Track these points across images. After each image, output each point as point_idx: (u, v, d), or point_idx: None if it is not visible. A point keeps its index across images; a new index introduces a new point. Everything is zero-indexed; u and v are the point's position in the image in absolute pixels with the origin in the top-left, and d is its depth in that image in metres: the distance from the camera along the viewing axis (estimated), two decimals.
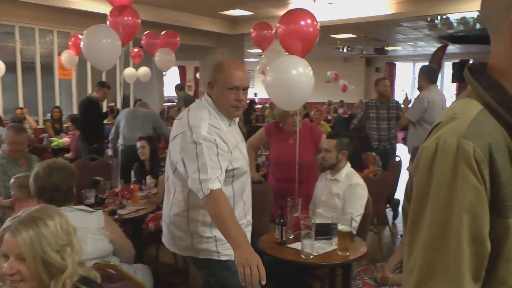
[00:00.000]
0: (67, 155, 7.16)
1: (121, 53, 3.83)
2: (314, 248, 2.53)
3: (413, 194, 0.92)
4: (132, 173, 4.61)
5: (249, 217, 2.42)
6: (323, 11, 8.26)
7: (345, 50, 13.07)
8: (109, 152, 6.36)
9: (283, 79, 2.99)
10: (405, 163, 5.07)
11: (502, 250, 0.85)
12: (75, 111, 8.77)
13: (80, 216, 2.29)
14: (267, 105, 13.12)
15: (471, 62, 1.01)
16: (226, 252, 2.21)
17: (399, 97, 17.25)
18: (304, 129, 3.60)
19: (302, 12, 3.18)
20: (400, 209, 5.27)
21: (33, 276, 1.50)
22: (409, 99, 5.63)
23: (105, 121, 6.76)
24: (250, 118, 11.57)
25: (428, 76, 5.17)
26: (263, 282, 1.80)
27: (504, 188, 0.84)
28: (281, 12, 3.37)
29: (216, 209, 1.99)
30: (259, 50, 5.76)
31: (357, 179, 3.12)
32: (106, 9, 4.35)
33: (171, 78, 18.42)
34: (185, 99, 9.57)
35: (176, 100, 11.21)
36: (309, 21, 3.12)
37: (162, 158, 5.13)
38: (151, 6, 8.71)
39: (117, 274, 1.95)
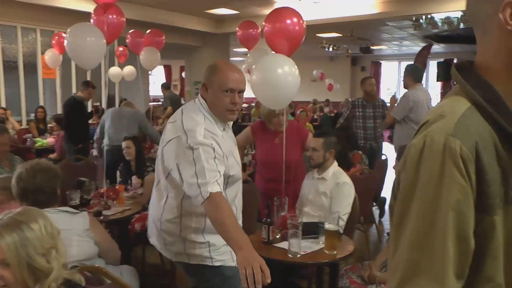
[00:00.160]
0: (51, 155, 7.07)
1: (106, 52, 3.78)
2: (301, 247, 2.52)
3: (400, 191, 0.91)
4: (118, 173, 4.56)
5: (240, 222, 2.35)
6: (309, 11, 8.26)
7: (331, 49, 13.14)
8: (94, 152, 6.29)
9: (269, 78, 2.98)
10: (391, 162, 5.10)
11: (488, 247, 0.85)
12: (59, 111, 8.66)
13: (64, 218, 2.25)
14: (253, 104, 13.11)
15: (455, 61, 1.01)
16: (219, 257, 2.17)
17: (385, 96, 17.44)
18: (290, 128, 3.59)
19: (288, 11, 3.18)
20: (387, 207, 5.33)
21: (17, 281, 1.47)
22: (396, 98, 5.67)
23: (90, 121, 6.69)
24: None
25: (414, 75, 5.20)
26: (268, 281, 1.72)
27: (490, 186, 0.84)
28: (267, 11, 3.36)
29: (216, 213, 1.91)
30: (245, 49, 5.75)
31: (344, 177, 3.13)
32: (90, 7, 4.30)
33: (157, 78, 18.32)
34: (171, 99, 9.51)
35: (162, 100, 11.14)
36: (295, 19, 3.11)
37: (148, 158, 5.10)
38: (136, 5, 8.64)
39: (94, 277, 1.91)
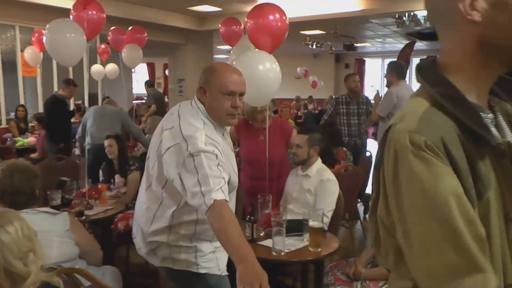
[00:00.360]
0: (33, 155, 6.98)
1: (87, 49, 3.72)
2: (285, 245, 2.51)
3: (393, 207, 0.88)
4: (100, 172, 4.50)
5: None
6: (292, 7, 8.25)
7: (314, 46, 13.16)
8: (77, 151, 6.21)
9: (250, 75, 2.89)
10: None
11: None
12: (41, 109, 8.52)
13: (44, 219, 2.21)
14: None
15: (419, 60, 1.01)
16: (204, 264, 2.10)
17: (369, 92, 17.54)
18: (274, 125, 3.57)
19: (270, 7, 3.15)
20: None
21: None
22: (380, 95, 5.69)
23: (72, 120, 6.59)
24: None
25: (398, 72, 5.22)
26: None
27: (464, 179, 0.83)
28: (249, 8, 3.32)
29: (220, 222, 1.76)
30: (229, 47, 5.72)
31: (328, 174, 3.12)
32: (70, 3, 4.22)
33: (140, 75, 18.18)
34: (155, 97, 9.44)
35: (145, 98, 11.05)
36: (277, 16, 3.09)
37: (131, 156, 5.04)
38: (118, 2, 8.54)
39: (70, 280, 1.86)
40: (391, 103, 5.10)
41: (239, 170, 4.23)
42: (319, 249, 2.55)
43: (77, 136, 6.07)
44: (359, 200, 5.21)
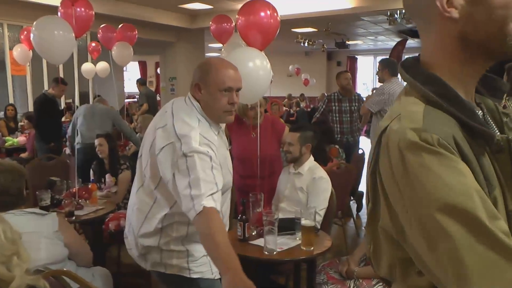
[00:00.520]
0: (23, 155, 6.91)
1: (76, 47, 3.67)
2: (277, 244, 2.48)
3: (403, 211, 0.81)
4: (91, 172, 4.45)
5: (226, 228, 2.17)
6: (284, 5, 8.23)
7: (306, 44, 13.15)
8: (67, 150, 6.15)
9: (240, 72, 2.89)
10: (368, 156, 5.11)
11: None
12: (31, 108, 8.45)
13: (32, 220, 2.17)
14: None
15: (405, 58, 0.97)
16: (197, 269, 2.03)
17: (361, 90, 17.58)
18: (266, 122, 3.55)
19: (261, 4, 3.12)
20: (364, 201, 5.34)
21: None
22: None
23: (63, 119, 6.53)
24: None
25: (390, 69, 5.23)
26: None
27: (477, 175, 0.79)
28: (241, 5, 3.29)
29: (208, 228, 1.70)
30: (220, 45, 5.68)
31: (320, 172, 3.10)
32: (59, 1, 4.16)
33: (132, 74, 18.09)
34: (147, 95, 9.38)
35: (137, 96, 10.99)
36: (269, 12, 3.06)
37: (122, 155, 5.00)
38: None
39: (57, 282, 1.82)
40: (382, 99, 5.10)
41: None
42: (312, 248, 2.53)
43: (67, 135, 6.00)
44: (351, 198, 5.20)
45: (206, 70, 1.99)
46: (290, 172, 3.18)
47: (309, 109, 12.65)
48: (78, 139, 5.39)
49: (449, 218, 0.74)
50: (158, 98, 11.91)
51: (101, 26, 6.48)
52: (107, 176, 4.14)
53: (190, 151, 1.79)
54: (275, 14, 3.13)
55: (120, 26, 6.59)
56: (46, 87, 8.91)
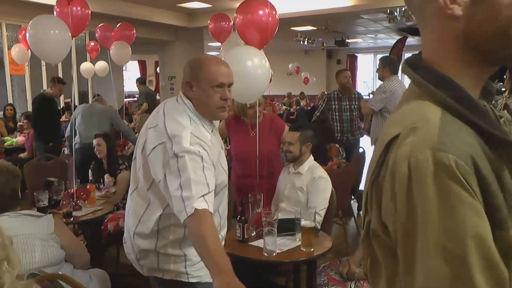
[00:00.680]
0: (22, 154, 6.89)
1: (72, 46, 3.63)
2: (277, 245, 2.45)
3: (398, 232, 0.75)
4: (90, 172, 4.43)
5: (224, 232, 2.17)
6: (283, 3, 8.20)
7: (306, 42, 13.12)
8: (66, 150, 6.12)
9: (238, 71, 2.81)
10: (369, 155, 5.08)
11: (509, 267, 0.70)
12: (30, 108, 8.41)
13: (27, 222, 2.13)
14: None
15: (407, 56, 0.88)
16: (195, 273, 1.99)
17: (361, 88, 17.55)
18: (265, 121, 3.51)
19: (260, 2, 3.09)
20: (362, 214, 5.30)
21: None
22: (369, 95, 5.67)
23: (63, 118, 6.50)
24: None
25: (391, 67, 5.21)
26: None
27: (496, 197, 0.72)
28: (239, 4, 3.26)
29: (199, 230, 1.66)
30: (219, 44, 5.65)
31: (320, 172, 3.07)
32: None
33: (132, 73, 18.07)
34: (146, 94, 9.35)
35: (137, 95, 10.96)
36: (267, 10, 3.03)
37: (121, 155, 4.97)
38: None
39: (52, 285, 1.79)
40: (384, 97, 5.07)
41: (229, 168, 4.19)
42: (312, 249, 2.49)
43: (66, 135, 5.97)
44: (352, 197, 5.17)
45: (196, 67, 1.96)
46: (290, 172, 3.15)
47: (309, 108, 12.63)
48: (76, 139, 5.36)
49: (438, 257, 0.69)
50: (158, 97, 11.88)
51: (99, 25, 6.45)
52: (106, 176, 4.12)
53: (181, 151, 1.76)
54: (274, 12, 3.10)
55: (118, 25, 6.56)
56: (45, 86, 8.88)
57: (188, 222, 1.68)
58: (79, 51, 9.61)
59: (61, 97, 7.17)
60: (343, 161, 4.66)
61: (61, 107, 7.29)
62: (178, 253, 1.97)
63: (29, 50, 6.84)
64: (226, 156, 5.21)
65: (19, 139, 7.25)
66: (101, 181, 4.15)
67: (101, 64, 8.78)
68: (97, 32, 6.43)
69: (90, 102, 7.38)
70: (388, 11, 9.14)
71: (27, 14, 7.73)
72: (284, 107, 12.85)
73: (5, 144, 7.16)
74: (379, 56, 10.66)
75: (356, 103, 5.68)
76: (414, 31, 12.48)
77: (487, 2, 0.77)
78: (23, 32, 6.85)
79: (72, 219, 3.30)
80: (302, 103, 13.49)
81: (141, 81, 9.66)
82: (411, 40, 13.99)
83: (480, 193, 0.70)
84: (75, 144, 5.30)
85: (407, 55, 16.19)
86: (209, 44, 13.37)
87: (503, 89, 3.82)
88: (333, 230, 3.90)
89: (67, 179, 4.24)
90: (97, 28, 6.45)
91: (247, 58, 2.88)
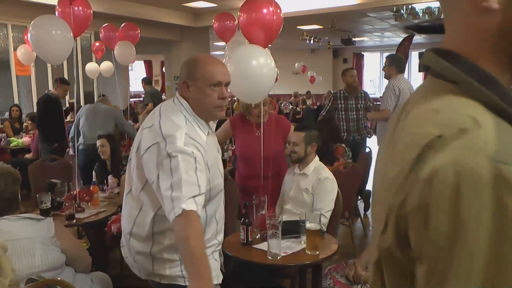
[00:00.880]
0: (27, 155, 6.90)
1: (74, 46, 3.59)
2: (281, 248, 2.40)
3: (425, 256, 0.61)
4: (94, 173, 4.40)
5: (221, 236, 2.13)
6: (288, 2, 8.16)
7: (312, 41, 13.06)
8: (71, 151, 6.10)
9: (243, 70, 2.80)
10: (375, 154, 5.02)
11: None
12: (36, 109, 8.42)
13: (27, 226, 2.10)
14: (235, 98, 12.96)
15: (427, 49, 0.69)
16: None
17: (368, 87, 17.46)
18: (270, 120, 3.46)
19: (264, 0, 3.04)
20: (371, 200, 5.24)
21: None
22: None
23: (68, 118, 6.49)
24: None
25: (398, 66, 5.15)
26: None
27: None
28: None
29: (184, 231, 1.63)
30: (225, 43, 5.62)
31: (326, 173, 3.01)
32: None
33: (138, 73, 18.10)
34: (152, 94, 9.32)
35: (143, 95, 10.95)
36: (271, 9, 2.98)
37: (125, 156, 4.93)
38: None
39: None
40: (394, 96, 5.01)
41: (234, 169, 4.15)
42: (317, 252, 2.44)
43: (70, 136, 5.96)
44: (359, 197, 5.12)
45: (193, 66, 1.94)
46: (295, 173, 3.10)
47: (315, 107, 12.56)
48: (80, 139, 5.35)
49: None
50: (163, 97, 11.86)
51: (103, 25, 6.44)
52: (110, 177, 4.09)
53: (174, 151, 1.74)
54: (278, 10, 3.05)
55: (122, 25, 6.54)
56: (50, 87, 8.88)
57: (174, 222, 1.65)
58: (84, 52, 9.62)
59: (67, 98, 7.16)
60: (349, 161, 4.60)
61: (66, 107, 7.27)
62: (173, 257, 1.94)
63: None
64: (231, 156, 5.19)
65: (25, 140, 7.25)
66: (105, 182, 4.12)
67: (106, 65, 8.77)
68: (101, 33, 6.41)
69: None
70: (395, 9, 9.06)
71: (33, 15, 7.71)
72: (290, 107, 12.80)
73: (11, 145, 7.17)
74: (386, 54, 10.60)
75: (363, 102, 5.62)
76: (420, 29, 12.37)
77: None
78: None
79: (74, 221, 3.27)
80: (309, 102, 13.42)
81: (146, 81, 9.63)
82: (417, 38, 13.89)
83: None
84: (79, 145, 5.29)
85: (414, 53, 16.10)
86: (215, 43, 13.32)
87: None
88: (339, 231, 3.85)
89: (71, 180, 4.22)
90: (101, 28, 6.44)
91: (252, 57, 2.83)
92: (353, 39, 14.00)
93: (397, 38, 14.49)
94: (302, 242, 2.53)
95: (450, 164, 0.57)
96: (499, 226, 0.54)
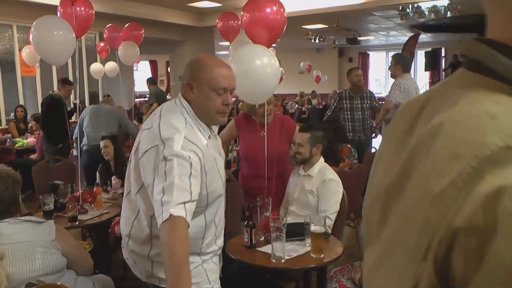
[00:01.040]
0: (32, 156, 6.90)
1: (76, 47, 3.57)
2: (285, 251, 2.36)
3: (478, 281, 0.44)
4: (98, 175, 4.38)
5: (221, 241, 2.08)
6: (293, 1, 8.11)
7: (317, 41, 13.01)
8: (75, 152, 6.09)
9: (246, 70, 2.74)
10: None
11: None
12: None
13: (27, 229, 2.07)
14: (240, 98, 12.93)
15: (443, 50, 0.57)
16: (193, 280, 1.82)
17: (373, 87, 17.38)
18: (275, 121, 3.42)
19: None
20: None
21: None
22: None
23: (73, 119, 6.48)
24: None
25: (403, 65, 5.13)
26: None
27: None
28: None
29: (168, 238, 1.58)
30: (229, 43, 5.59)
31: (331, 174, 2.97)
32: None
33: (143, 73, 18.10)
34: (156, 94, 9.31)
35: (148, 95, 10.94)
36: (275, 8, 2.93)
37: (127, 157, 4.91)
38: None
39: None
40: (399, 91, 4.98)
41: (237, 169, 4.11)
42: (322, 255, 2.40)
43: (74, 137, 5.95)
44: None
45: (198, 68, 1.88)
46: (300, 174, 3.06)
47: (321, 107, 12.50)
48: (84, 140, 5.33)
49: None
50: (168, 97, 11.85)
51: (107, 26, 6.42)
52: (113, 178, 4.07)
53: (170, 155, 1.70)
54: (282, 10, 3.00)
55: (126, 25, 6.53)
56: (55, 88, 8.88)
57: (161, 227, 1.62)
58: (89, 52, 9.61)
59: (72, 98, 7.16)
60: (355, 161, 4.56)
61: (70, 108, 7.27)
62: None
63: None
64: (236, 157, 5.14)
65: (30, 140, 7.26)
66: (109, 183, 4.10)
67: (110, 65, 8.76)
68: (105, 33, 6.40)
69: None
70: (400, 8, 8.99)
71: (38, 16, 7.71)
72: (296, 106, 12.75)
73: (16, 145, 7.18)
74: (391, 53, 10.54)
75: (368, 101, 5.57)
76: (426, 28, 12.29)
77: None
78: None
79: (77, 222, 3.25)
80: (314, 102, 13.36)
81: (151, 81, 9.62)
82: (423, 37, 13.80)
83: None
84: (82, 146, 5.27)
85: (419, 52, 16.01)
86: (219, 43, 13.30)
87: None
88: (345, 232, 3.80)
89: (75, 181, 4.20)
90: (105, 28, 6.42)
91: (256, 57, 2.79)
92: (358, 38, 13.94)
93: (403, 37, 14.40)
94: (307, 244, 2.49)
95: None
96: None
